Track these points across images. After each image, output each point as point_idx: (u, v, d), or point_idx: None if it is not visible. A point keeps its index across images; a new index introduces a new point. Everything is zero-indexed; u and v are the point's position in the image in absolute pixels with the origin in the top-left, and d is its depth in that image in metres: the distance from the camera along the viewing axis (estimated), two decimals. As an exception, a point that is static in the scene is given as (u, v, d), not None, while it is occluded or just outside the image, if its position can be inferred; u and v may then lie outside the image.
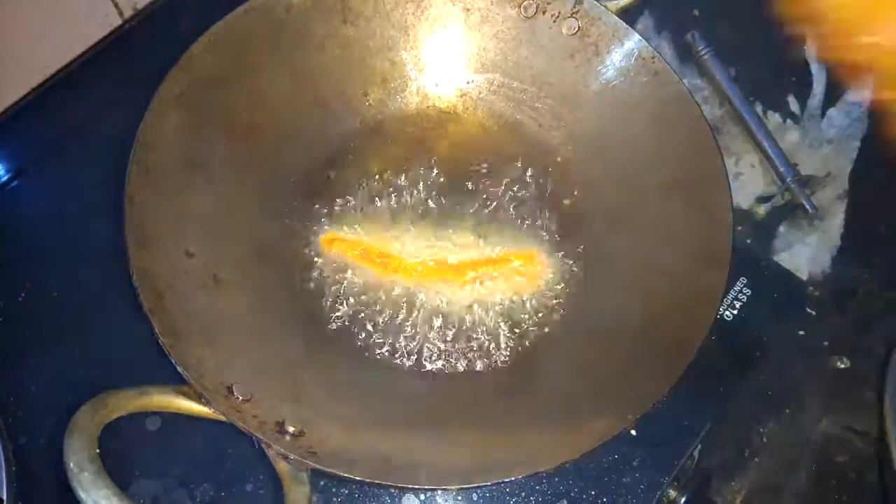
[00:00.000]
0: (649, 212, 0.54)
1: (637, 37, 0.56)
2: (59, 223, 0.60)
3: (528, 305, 0.54)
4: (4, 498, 0.49)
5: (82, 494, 0.33)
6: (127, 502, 0.33)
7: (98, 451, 0.35)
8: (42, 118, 0.64)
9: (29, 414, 0.52)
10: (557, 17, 0.58)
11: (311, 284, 0.54)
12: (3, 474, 0.49)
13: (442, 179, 0.59)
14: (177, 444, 0.51)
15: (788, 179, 0.65)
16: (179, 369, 0.41)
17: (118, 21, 0.68)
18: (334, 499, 0.50)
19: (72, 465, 0.34)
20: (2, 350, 0.55)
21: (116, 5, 0.67)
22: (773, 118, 0.71)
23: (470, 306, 0.54)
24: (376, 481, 0.41)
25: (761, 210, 0.68)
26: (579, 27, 0.58)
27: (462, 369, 0.52)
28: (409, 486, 0.41)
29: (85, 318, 0.55)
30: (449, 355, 0.52)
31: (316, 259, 0.55)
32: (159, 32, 0.68)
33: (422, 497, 0.51)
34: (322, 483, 0.50)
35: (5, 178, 0.62)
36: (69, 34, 0.65)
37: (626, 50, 0.56)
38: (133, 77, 0.63)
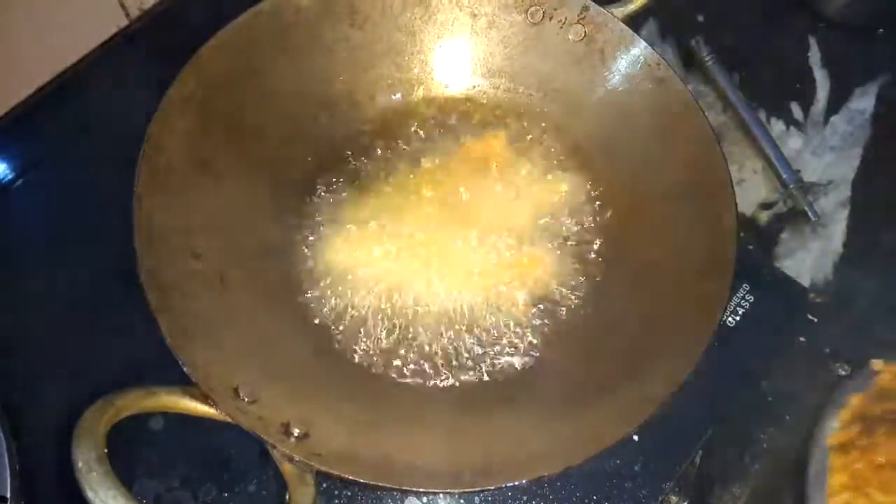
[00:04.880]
0: (654, 219, 0.54)
1: (643, 43, 0.56)
2: (65, 222, 0.60)
3: (531, 312, 0.54)
4: (8, 496, 0.49)
5: (90, 494, 0.33)
6: (134, 503, 0.33)
7: (106, 451, 0.35)
8: (49, 118, 0.65)
9: (33, 413, 0.52)
10: (564, 23, 0.58)
11: (315, 287, 0.54)
12: (7, 473, 0.50)
13: (448, 182, 0.59)
14: (180, 444, 0.51)
15: (791, 186, 0.66)
16: (186, 370, 0.41)
17: (125, 21, 0.68)
18: (336, 500, 0.51)
19: (80, 465, 0.34)
20: (7, 348, 0.55)
21: (123, 6, 0.67)
22: (777, 125, 0.71)
23: (474, 312, 0.54)
24: (380, 483, 0.41)
25: (764, 216, 0.68)
26: (585, 33, 0.58)
27: (466, 375, 0.52)
28: (412, 488, 0.41)
29: (90, 316, 0.55)
30: (452, 360, 0.52)
31: (320, 262, 0.55)
32: (166, 33, 0.68)
33: (424, 500, 0.51)
34: (325, 485, 0.50)
35: (12, 177, 0.62)
36: (76, 34, 0.66)
37: (631, 56, 0.57)
38: (139, 77, 0.63)
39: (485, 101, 0.62)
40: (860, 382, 0.48)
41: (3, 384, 0.53)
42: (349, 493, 0.51)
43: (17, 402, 0.52)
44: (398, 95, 0.61)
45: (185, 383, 0.41)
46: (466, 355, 0.52)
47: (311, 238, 0.55)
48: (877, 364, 0.48)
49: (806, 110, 0.72)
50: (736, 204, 0.50)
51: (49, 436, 0.51)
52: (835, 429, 0.48)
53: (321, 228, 0.56)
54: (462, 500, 0.51)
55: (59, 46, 0.65)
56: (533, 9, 0.58)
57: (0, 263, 0.59)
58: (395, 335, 0.53)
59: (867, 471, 0.49)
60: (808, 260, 0.66)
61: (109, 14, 0.67)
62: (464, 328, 0.53)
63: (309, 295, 0.53)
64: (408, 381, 0.51)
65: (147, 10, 0.69)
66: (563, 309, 0.54)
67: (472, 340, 0.53)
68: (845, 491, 0.47)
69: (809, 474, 0.48)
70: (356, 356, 0.52)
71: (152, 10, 0.69)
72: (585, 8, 0.57)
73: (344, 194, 0.58)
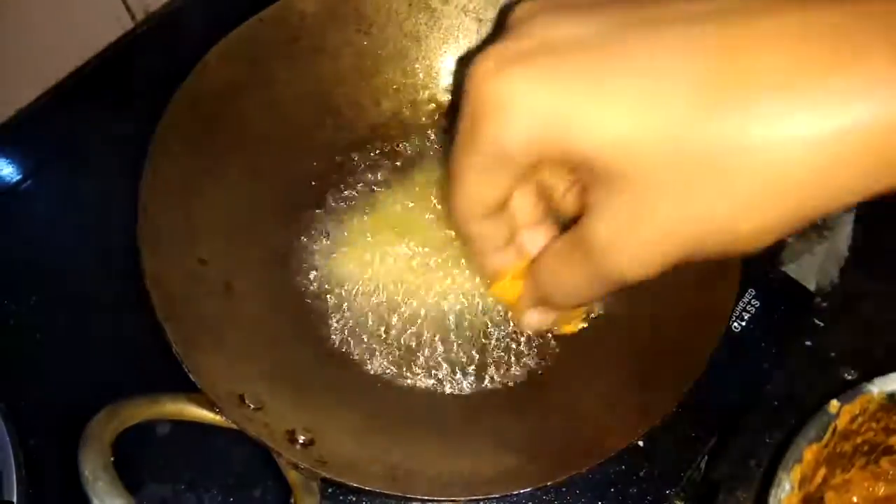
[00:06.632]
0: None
1: (649, 49, 0.56)
2: (71, 225, 0.60)
3: (536, 318, 0.54)
4: (15, 500, 0.49)
5: (96, 503, 0.33)
6: (140, 511, 0.33)
7: (112, 459, 0.35)
8: (54, 122, 0.65)
9: (39, 417, 0.52)
10: (569, 28, 0.58)
11: (319, 294, 0.54)
12: (13, 477, 0.50)
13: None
14: (186, 449, 0.51)
15: (797, 190, 0.65)
16: (192, 377, 0.41)
17: (130, 24, 0.68)
18: (341, 507, 0.51)
19: (86, 473, 0.34)
20: (13, 353, 0.55)
21: (128, 9, 0.67)
22: (783, 129, 0.71)
23: (481, 321, 0.54)
24: (386, 491, 0.41)
25: (770, 221, 0.68)
26: (591, 39, 0.58)
27: (472, 382, 0.52)
28: (419, 496, 0.42)
29: (96, 322, 0.56)
30: (458, 368, 0.52)
31: (326, 269, 0.55)
32: (171, 36, 0.68)
33: (429, 507, 0.51)
34: (329, 490, 0.50)
35: (18, 179, 0.62)
36: (80, 37, 0.65)
37: (637, 62, 0.56)
38: (146, 80, 0.63)
39: (490, 106, 0.61)
40: (812, 434, 0.47)
41: (9, 390, 0.53)
42: (353, 499, 0.51)
43: (23, 408, 0.53)
44: (403, 100, 0.61)
45: (190, 390, 0.42)
46: (473, 363, 0.52)
47: (316, 245, 0.55)
48: (833, 406, 0.47)
49: (812, 114, 0.72)
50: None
51: (55, 442, 0.51)
52: (788, 492, 0.44)
53: (327, 235, 0.56)
54: (467, 507, 0.51)
55: (65, 49, 0.65)
56: (538, 15, 0.58)
57: (5, 266, 0.59)
58: (401, 342, 0.53)
59: None
60: (814, 264, 0.66)
61: (115, 17, 0.67)
62: (470, 336, 0.53)
63: (315, 302, 0.53)
64: (414, 388, 0.51)
65: (152, 12, 0.69)
66: (569, 317, 0.54)
67: (478, 348, 0.53)
68: None
69: None
70: (362, 363, 0.52)
71: (158, 13, 0.69)
72: (591, 13, 0.57)
73: (350, 201, 0.58)
